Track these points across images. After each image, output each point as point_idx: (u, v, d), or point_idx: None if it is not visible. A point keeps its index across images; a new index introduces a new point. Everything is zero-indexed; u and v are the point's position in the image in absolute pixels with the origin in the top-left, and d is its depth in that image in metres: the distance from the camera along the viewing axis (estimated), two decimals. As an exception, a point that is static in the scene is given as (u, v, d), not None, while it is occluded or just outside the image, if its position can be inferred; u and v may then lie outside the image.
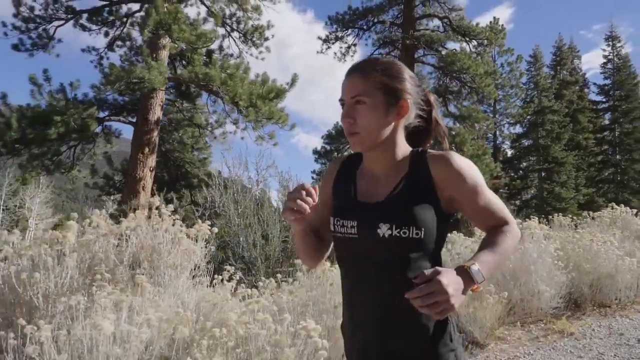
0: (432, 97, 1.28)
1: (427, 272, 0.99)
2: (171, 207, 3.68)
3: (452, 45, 18.51)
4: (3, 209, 28.20)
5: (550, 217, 7.83)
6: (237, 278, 3.77)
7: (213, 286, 3.67)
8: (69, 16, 11.59)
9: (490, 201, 1.19)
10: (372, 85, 1.16)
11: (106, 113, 11.66)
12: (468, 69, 16.11)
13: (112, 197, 15.37)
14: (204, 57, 11.69)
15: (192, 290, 3.40)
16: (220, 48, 13.12)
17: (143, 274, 3.13)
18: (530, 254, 4.99)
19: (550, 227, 6.89)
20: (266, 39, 13.09)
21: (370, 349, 1.18)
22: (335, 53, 19.49)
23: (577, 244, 5.72)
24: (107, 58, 12.39)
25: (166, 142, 14.29)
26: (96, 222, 3.35)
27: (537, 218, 6.03)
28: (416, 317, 1.11)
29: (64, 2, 11.44)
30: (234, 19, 12.89)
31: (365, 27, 19.28)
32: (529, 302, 4.88)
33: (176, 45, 11.06)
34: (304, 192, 1.11)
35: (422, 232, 1.11)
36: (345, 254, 1.23)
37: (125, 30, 12.25)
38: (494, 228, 1.20)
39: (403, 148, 1.22)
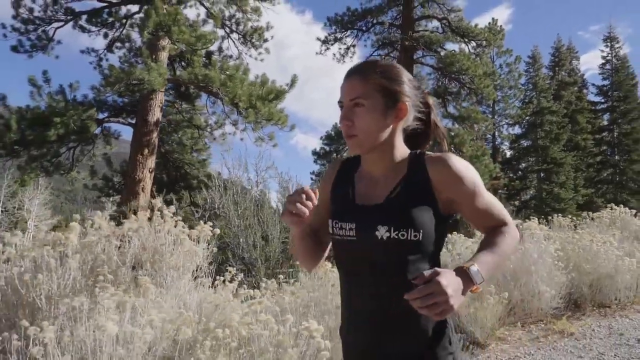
0: (431, 100, 1.28)
1: (426, 273, 0.98)
2: (173, 208, 3.70)
3: (451, 46, 18.61)
4: (2, 211, 28.13)
5: (549, 217, 7.85)
6: (239, 279, 3.77)
7: (215, 287, 3.67)
8: (68, 18, 11.60)
9: (488, 202, 1.19)
10: (370, 87, 1.15)
11: (105, 114, 11.68)
12: (467, 70, 16.15)
13: (111, 199, 15.36)
14: (204, 59, 11.73)
15: (194, 292, 3.41)
16: (220, 49, 13.18)
17: (145, 275, 3.14)
18: (530, 254, 5.00)
19: (550, 228, 6.91)
20: (265, 40, 13.13)
21: (369, 351, 1.18)
22: (334, 54, 19.59)
23: (577, 245, 5.74)
24: (107, 59, 12.44)
25: (165, 144, 14.27)
26: (98, 223, 3.35)
27: (536, 219, 6.05)
28: (415, 319, 1.11)
29: (63, 4, 11.47)
30: (233, 20, 12.92)
31: (364, 28, 19.32)
32: (529, 303, 4.89)
33: (176, 47, 11.07)
34: (303, 196, 1.11)
35: (421, 234, 1.11)
36: (343, 256, 1.23)
37: (124, 31, 12.30)
38: (493, 229, 1.20)
39: (401, 150, 1.22)
